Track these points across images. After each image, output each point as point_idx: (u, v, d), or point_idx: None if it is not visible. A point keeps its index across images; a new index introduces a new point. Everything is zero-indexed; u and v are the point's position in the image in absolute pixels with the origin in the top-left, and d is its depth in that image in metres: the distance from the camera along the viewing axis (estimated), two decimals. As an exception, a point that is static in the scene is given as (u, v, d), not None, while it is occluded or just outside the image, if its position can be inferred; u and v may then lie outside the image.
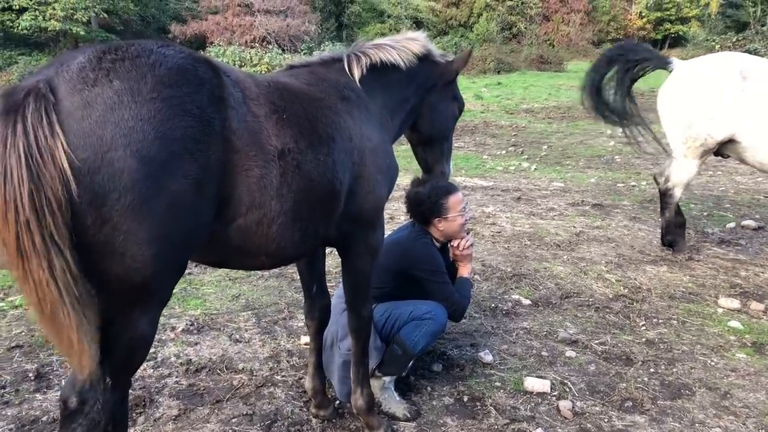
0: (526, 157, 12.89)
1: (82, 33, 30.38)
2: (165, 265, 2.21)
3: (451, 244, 4.14)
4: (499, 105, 21.77)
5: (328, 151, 2.82)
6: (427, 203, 3.97)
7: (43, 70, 2.15)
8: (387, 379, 3.88)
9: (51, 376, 4.13)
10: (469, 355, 4.50)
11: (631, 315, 5.25)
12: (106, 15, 32.00)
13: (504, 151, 13.51)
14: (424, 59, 3.65)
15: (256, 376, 4.20)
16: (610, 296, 5.63)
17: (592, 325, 5.04)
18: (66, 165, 1.92)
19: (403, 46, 3.53)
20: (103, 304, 2.19)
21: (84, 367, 2.11)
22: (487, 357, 4.43)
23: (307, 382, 3.77)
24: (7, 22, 29.77)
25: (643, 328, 5.02)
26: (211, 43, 32.08)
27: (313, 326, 3.73)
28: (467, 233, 4.22)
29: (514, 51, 40.02)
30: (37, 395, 3.92)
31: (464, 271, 4.15)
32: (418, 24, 46.94)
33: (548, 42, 50.09)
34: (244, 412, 3.78)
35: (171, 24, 35.34)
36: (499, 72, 32.76)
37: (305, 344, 4.57)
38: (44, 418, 3.68)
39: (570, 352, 4.56)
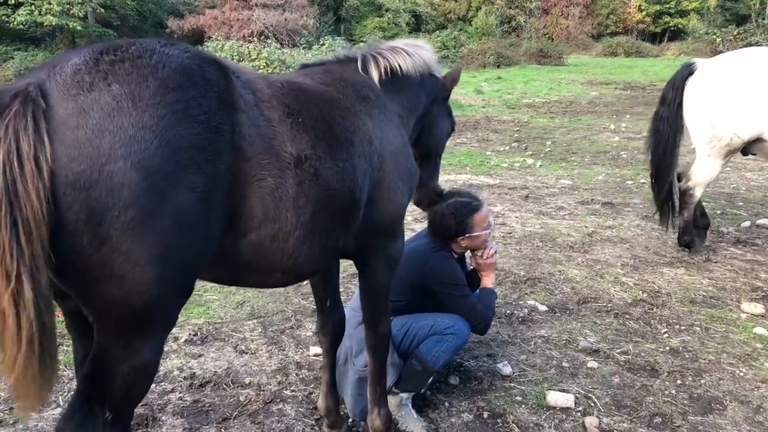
0: (531, 153, 12.67)
1: (79, 28, 30.01)
2: (169, 287, 1.99)
3: (475, 252, 3.92)
4: (500, 99, 21.54)
5: (347, 156, 2.61)
6: (453, 225, 3.72)
7: (34, 72, 1.93)
8: (404, 395, 3.67)
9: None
10: (486, 367, 4.28)
11: (652, 321, 5.04)
12: (102, 10, 31.59)
13: (507, 147, 13.30)
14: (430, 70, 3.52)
15: (263, 391, 3.98)
16: (629, 301, 5.42)
17: (613, 333, 4.83)
18: (47, 179, 1.71)
19: (416, 53, 3.35)
20: (99, 330, 1.98)
21: (29, 409, 1.90)
22: (505, 369, 4.21)
23: (320, 401, 3.55)
24: (3, 17, 29.41)
25: (666, 335, 4.81)
26: (209, 38, 31.76)
27: (327, 342, 3.51)
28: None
29: (513, 45, 39.68)
30: (32, 414, 3.69)
31: (487, 281, 3.93)
32: (416, 18, 46.71)
33: (547, 36, 49.81)
34: (253, 431, 3.58)
35: (168, 19, 35.00)
36: (498, 66, 32.45)
37: (314, 355, 4.36)
38: (40, 440, 3.47)
39: (592, 363, 4.35)
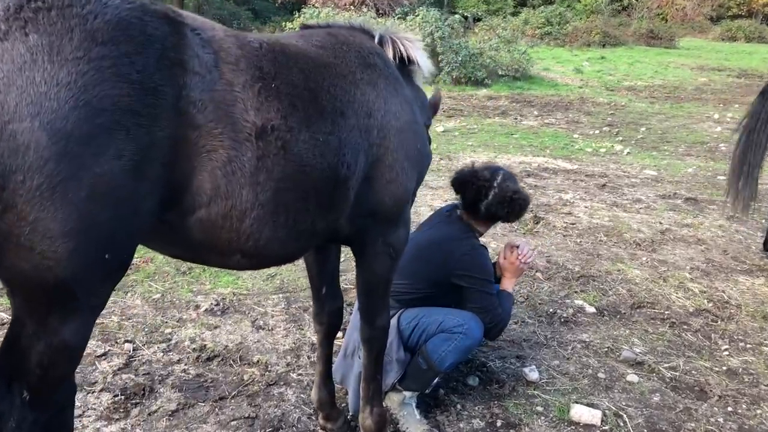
0: (621, 138, 11.92)
1: (186, -9, 30.84)
2: (89, 264, 1.78)
3: (518, 250, 3.58)
4: (599, 80, 20.50)
5: (332, 128, 2.32)
6: (517, 211, 3.47)
7: None
8: (408, 394, 3.39)
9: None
10: (512, 370, 3.94)
11: (713, 336, 4.51)
12: (209, -27, 32.35)
13: (597, 131, 12.57)
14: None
15: (269, 371, 3.81)
16: (691, 310, 4.88)
17: (664, 345, 4.35)
18: None
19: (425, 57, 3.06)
20: (15, 302, 1.83)
21: None
22: (532, 374, 3.85)
23: (314, 393, 3.32)
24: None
25: (726, 353, 4.28)
26: (309, 5, 31.86)
27: (322, 331, 3.26)
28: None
29: (622, 24, 37.66)
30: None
31: (509, 284, 3.58)
32: (522, -8, 45.19)
33: (661, 16, 47.03)
34: (246, 415, 3.40)
35: (273, -16, 35.42)
36: (604, 45, 30.89)
37: (332, 338, 4.15)
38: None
39: (632, 376, 3.92)
